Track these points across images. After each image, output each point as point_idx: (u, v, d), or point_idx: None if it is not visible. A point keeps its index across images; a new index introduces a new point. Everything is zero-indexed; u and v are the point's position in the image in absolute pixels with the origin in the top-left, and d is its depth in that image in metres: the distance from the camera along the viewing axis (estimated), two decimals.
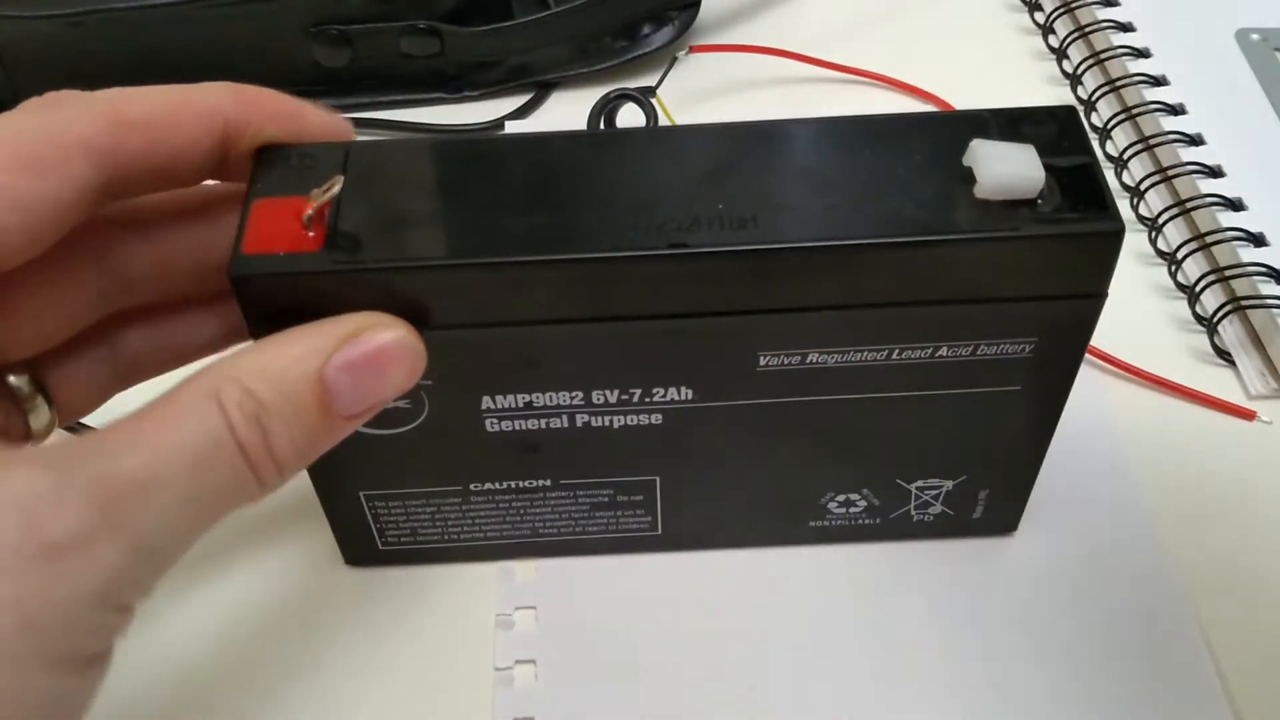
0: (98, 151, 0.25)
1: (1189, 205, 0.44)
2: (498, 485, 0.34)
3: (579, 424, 0.31)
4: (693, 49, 0.51)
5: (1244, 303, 0.41)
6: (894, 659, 0.34)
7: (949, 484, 0.34)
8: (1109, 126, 0.48)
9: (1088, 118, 0.50)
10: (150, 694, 0.34)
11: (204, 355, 0.31)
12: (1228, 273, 0.42)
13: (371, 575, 0.37)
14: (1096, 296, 0.29)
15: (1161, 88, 0.48)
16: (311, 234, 0.27)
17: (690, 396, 0.31)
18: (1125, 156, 0.47)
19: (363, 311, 0.27)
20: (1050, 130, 0.29)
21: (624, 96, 0.45)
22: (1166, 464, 0.39)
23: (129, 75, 0.49)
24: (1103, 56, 0.50)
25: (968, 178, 0.28)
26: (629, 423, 0.32)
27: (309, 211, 0.27)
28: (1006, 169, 0.27)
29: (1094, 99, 0.50)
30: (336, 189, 0.27)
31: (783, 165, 0.29)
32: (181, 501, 0.23)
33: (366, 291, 0.28)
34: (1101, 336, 0.31)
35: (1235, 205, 0.44)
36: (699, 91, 0.51)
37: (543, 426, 0.31)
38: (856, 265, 0.28)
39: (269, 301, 0.28)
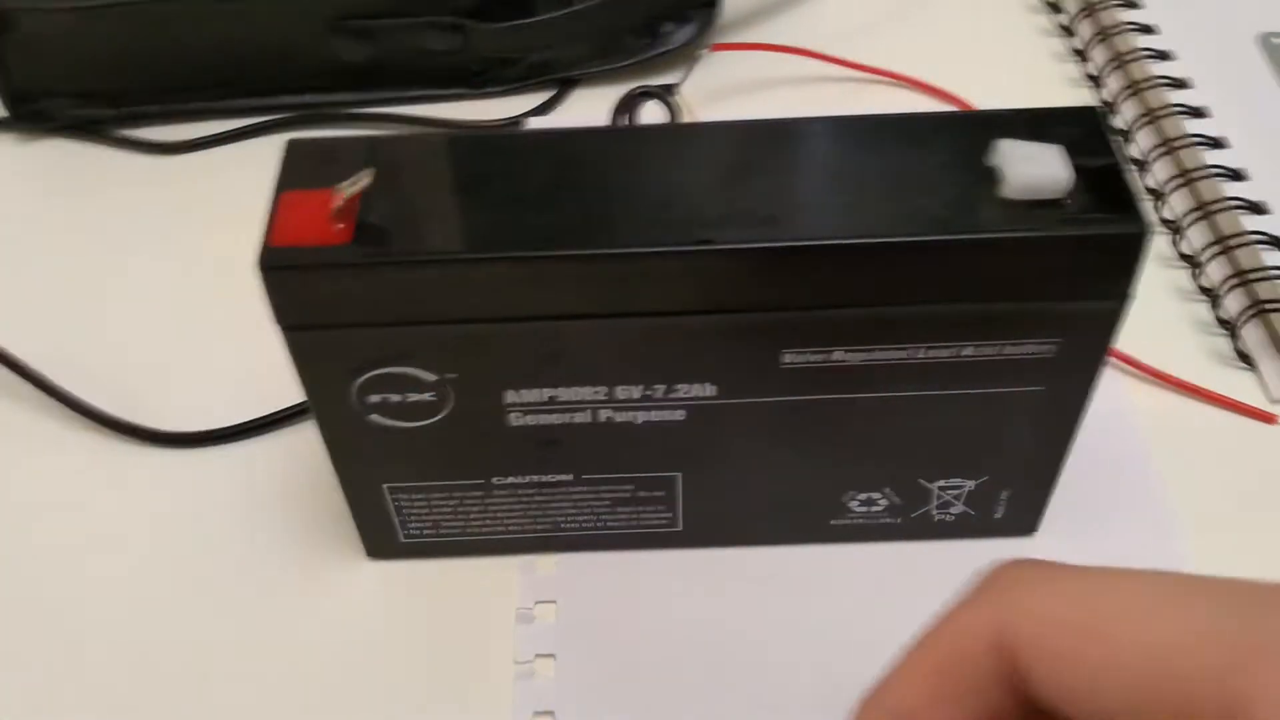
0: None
1: (1211, 208, 0.44)
2: (520, 479, 0.34)
3: (602, 419, 0.32)
4: (714, 47, 0.51)
5: (1266, 306, 0.41)
6: None
7: (970, 484, 0.34)
8: (1132, 129, 0.48)
9: (1109, 120, 0.49)
10: (174, 685, 0.35)
11: None
12: (1250, 276, 0.42)
13: (393, 568, 0.37)
14: (1121, 298, 0.29)
15: (1184, 90, 0.48)
16: (339, 226, 0.27)
17: (713, 393, 0.31)
18: (1148, 159, 0.47)
19: None
20: (1075, 131, 0.29)
21: (646, 94, 0.45)
22: (1187, 466, 0.39)
23: (154, 68, 0.50)
24: (1125, 59, 0.50)
25: (993, 177, 0.28)
26: (652, 419, 0.32)
27: (337, 204, 0.27)
28: (1033, 169, 0.27)
29: (1116, 101, 0.49)
30: (365, 182, 0.27)
31: (808, 163, 0.29)
32: None
33: (393, 284, 0.28)
34: (1123, 339, 0.31)
35: (1258, 209, 0.44)
36: (720, 90, 0.52)
37: (565, 421, 0.32)
38: (881, 264, 0.28)
39: (298, 293, 0.28)
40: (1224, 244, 0.43)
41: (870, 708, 0.24)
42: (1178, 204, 0.46)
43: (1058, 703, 0.21)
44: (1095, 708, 0.21)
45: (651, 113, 0.45)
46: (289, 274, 0.27)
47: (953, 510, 0.35)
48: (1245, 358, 0.41)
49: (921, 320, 0.29)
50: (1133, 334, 0.34)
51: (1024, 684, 0.22)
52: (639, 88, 0.45)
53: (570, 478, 0.34)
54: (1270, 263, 0.42)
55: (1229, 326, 0.42)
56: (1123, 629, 0.21)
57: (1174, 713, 0.20)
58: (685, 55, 0.51)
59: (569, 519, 0.35)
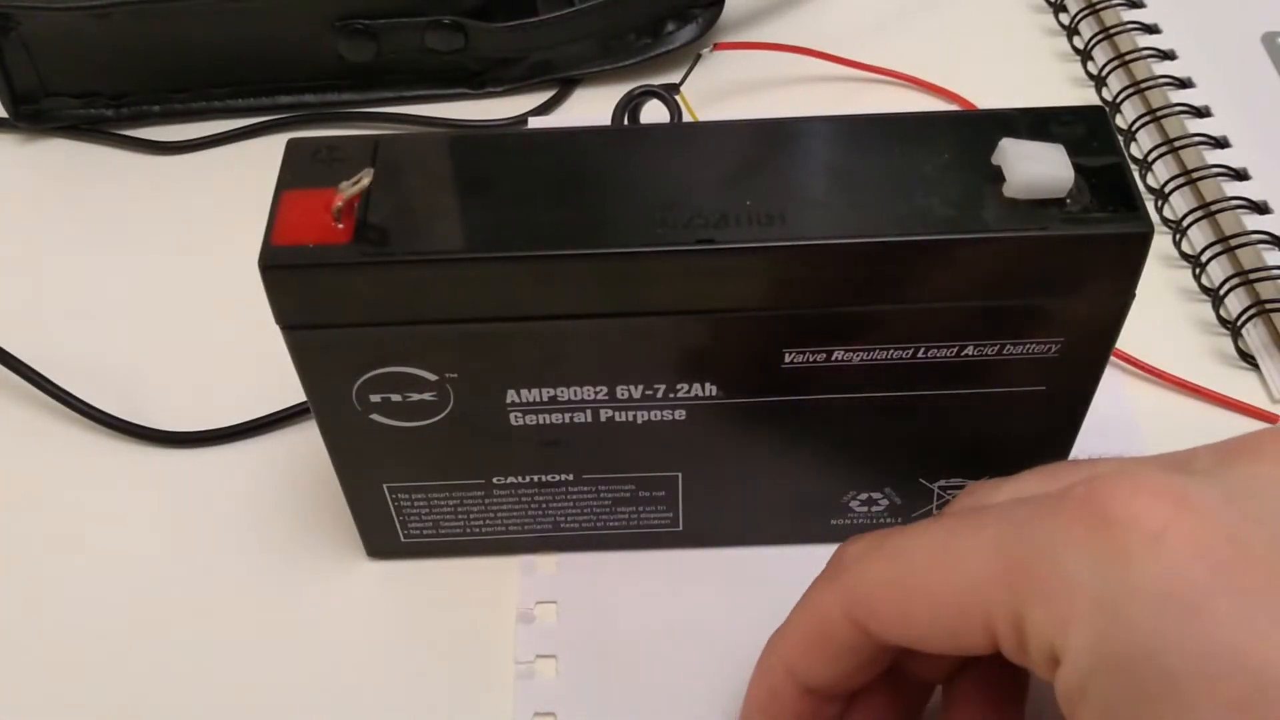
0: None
1: (1214, 208, 0.44)
2: (520, 479, 0.34)
3: (602, 419, 0.32)
4: (717, 46, 0.51)
5: (1268, 306, 0.41)
6: None
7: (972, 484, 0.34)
8: (1133, 128, 0.48)
9: (1111, 119, 0.49)
10: (173, 684, 0.35)
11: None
12: (1252, 276, 0.42)
13: (393, 568, 0.37)
14: (1124, 297, 0.29)
15: (1187, 90, 0.48)
16: (341, 226, 0.27)
17: (714, 393, 0.31)
18: (1150, 159, 0.47)
19: None
20: (1079, 130, 0.29)
21: (648, 93, 0.45)
22: None
23: (156, 67, 0.50)
24: (1128, 58, 0.50)
25: (996, 176, 0.28)
26: (652, 418, 0.32)
27: (339, 204, 0.27)
28: (1036, 168, 0.27)
29: (1118, 100, 0.49)
30: (366, 181, 0.27)
31: (810, 163, 0.29)
32: None
33: (395, 284, 0.28)
34: (1125, 338, 0.31)
35: (1260, 208, 0.43)
36: (723, 89, 0.52)
37: (566, 421, 0.32)
38: (883, 263, 0.28)
39: (299, 293, 0.28)
40: (1226, 243, 0.43)
41: (770, 653, 0.29)
42: (1180, 203, 0.46)
43: (908, 647, 0.26)
44: (933, 645, 0.25)
45: (653, 112, 0.45)
46: (290, 273, 0.27)
47: None
48: (1247, 357, 0.41)
49: (923, 320, 0.29)
50: (1134, 334, 0.34)
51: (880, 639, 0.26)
52: (641, 87, 0.45)
53: (571, 477, 0.34)
54: (1272, 262, 0.42)
55: (1231, 326, 0.42)
56: (932, 578, 0.25)
57: (985, 633, 0.24)
58: (687, 54, 0.51)
59: (569, 519, 0.35)
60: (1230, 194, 0.44)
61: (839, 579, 0.27)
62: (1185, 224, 0.45)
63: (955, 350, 0.30)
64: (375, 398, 0.31)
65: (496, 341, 0.29)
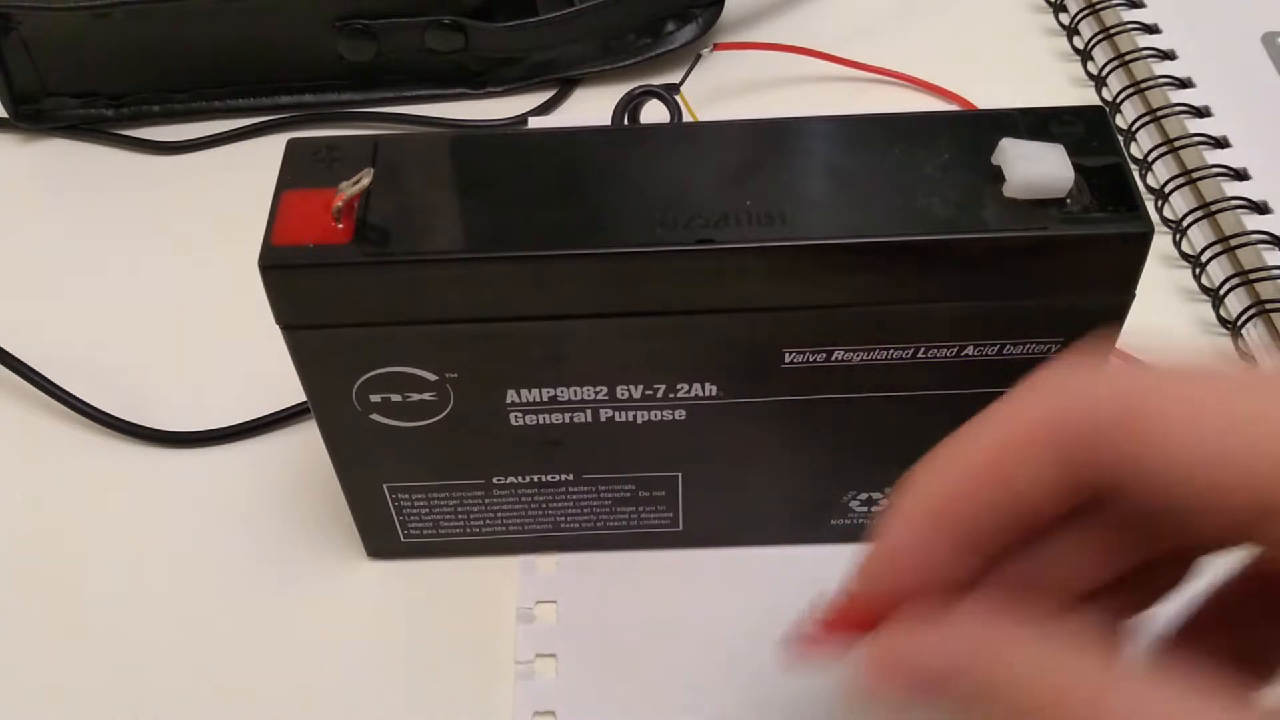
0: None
1: (1214, 208, 0.44)
2: (520, 479, 0.34)
3: (603, 419, 0.32)
4: (716, 46, 0.51)
5: (1268, 306, 0.41)
6: None
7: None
8: (1133, 128, 0.48)
9: (1111, 119, 0.49)
10: (174, 684, 0.35)
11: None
12: (1252, 276, 0.42)
13: (393, 568, 0.37)
14: (1124, 297, 0.29)
15: (1187, 90, 0.48)
16: (341, 226, 0.27)
17: (714, 393, 0.31)
18: (1150, 159, 0.47)
19: None
20: (1079, 130, 0.29)
21: (648, 93, 0.45)
22: None
23: (156, 67, 0.50)
24: (1128, 58, 0.50)
25: (996, 176, 0.28)
26: (652, 418, 0.32)
27: (339, 204, 0.27)
28: (1036, 168, 0.27)
29: (1118, 100, 0.49)
30: (366, 181, 0.27)
31: (810, 163, 0.29)
32: None
33: (395, 284, 0.28)
34: (1124, 338, 0.30)
35: (1260, 208, 0.43)
36: (723, 89, 0.51)
37: (566, 421, 0.32)
38: (883, 263, 0.28)
39: (299, 292, 0.28)
40: (1226, 243, 0.43)
41: (926, 486, 0.25)
42: (1180, 203, 0.46)
43: (1165, 477, 0.21)
44: (1183, 490, 0.20)
45: (653, 112, 0.45)
46: (290, 273, 0.27)
47: None
48: (1247, 358, 0.41)
49: (923, 320, 0.29)
50: (1134, 334, 0.34)
51: (1112, 467, 0.21)
52: (641, 87, 0.45)
53: (571, 477, 0.34)
54: (1272, 262, 0.42)
55: (1231, 326, 0.42)
56: (1236, 408, 0.20)
57: (1252, 495, 0.20)
58: (687, 54, 0.51)
59: (569, 519, 0.35)
60: (1230, 194, 0.44)
61: (1064, 387, 0.23)
62: (1185, 224, 0.45)
63: (955, 350, 0.30)
64: (375, 398, 0.31)
65: (496, 342, 0.29)
